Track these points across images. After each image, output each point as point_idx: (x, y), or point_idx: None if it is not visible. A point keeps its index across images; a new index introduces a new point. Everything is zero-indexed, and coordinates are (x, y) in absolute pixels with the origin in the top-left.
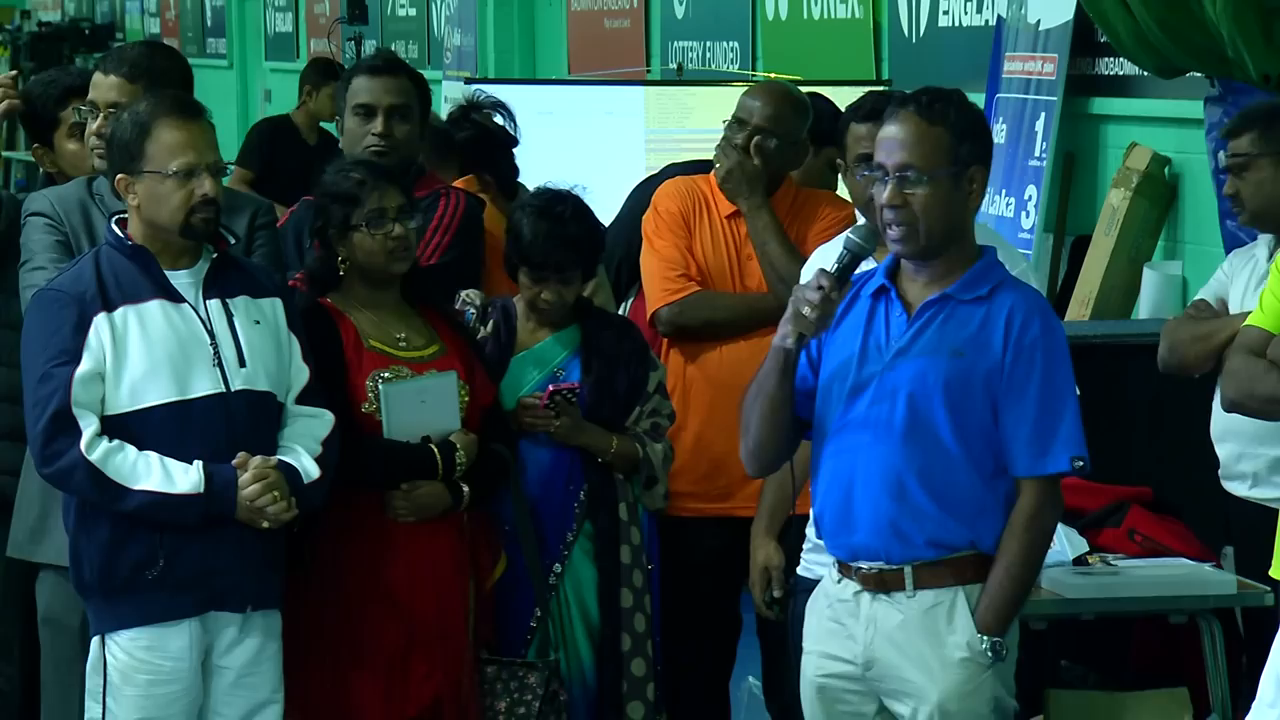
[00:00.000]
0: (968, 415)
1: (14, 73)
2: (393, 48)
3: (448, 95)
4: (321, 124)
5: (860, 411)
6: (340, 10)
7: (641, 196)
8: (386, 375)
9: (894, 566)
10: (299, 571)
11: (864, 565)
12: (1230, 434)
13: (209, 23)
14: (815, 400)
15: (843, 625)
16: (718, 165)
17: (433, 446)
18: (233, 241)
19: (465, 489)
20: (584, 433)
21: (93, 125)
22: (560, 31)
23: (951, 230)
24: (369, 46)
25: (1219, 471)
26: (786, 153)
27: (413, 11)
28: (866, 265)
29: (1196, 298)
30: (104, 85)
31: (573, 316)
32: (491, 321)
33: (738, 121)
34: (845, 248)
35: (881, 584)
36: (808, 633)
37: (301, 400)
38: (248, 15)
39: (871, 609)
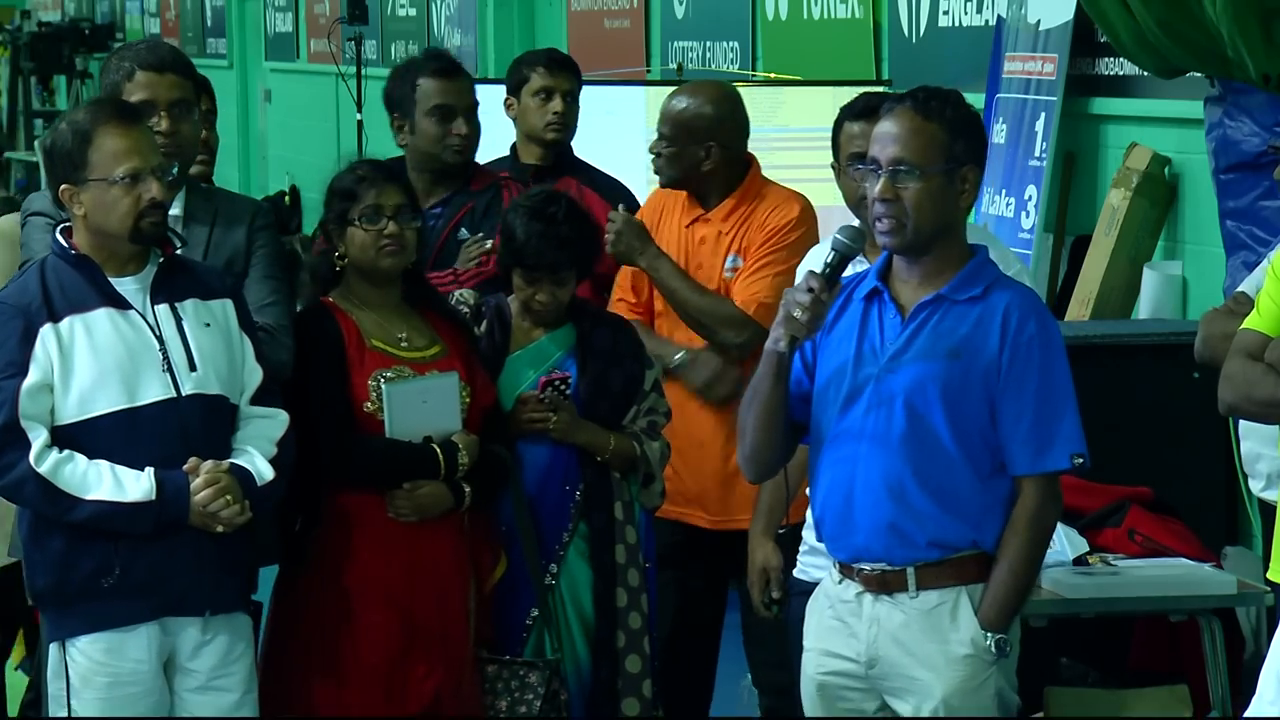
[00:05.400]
0: (965, 416)
1: None
2: (392, 48)
3: None
4: None
5: (858, 416)
6: (340, 10)
7: None
8: (389, 375)
9: (896, 568)
10: (299, 570)
11: (866, 567)
12: (1252, 433)
13: (209, 23)
14: (811, 404)
15: (845, 624)
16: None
17: (435, 446)
18: (178, 245)
19: (467, 489)
20: (582, 430)
21: (162, 125)
22: (560, 31)
23: (941, 227)
24: (369, 47)
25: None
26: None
27: (413, 11)
28: (860, 265)
29: (1239, 290)
30: (163, 84)
31: (567, 316)
32: (485, 322)
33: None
34: (833, 248)
35: (884, 585)
36: (808, 631)
37: (256, 401)
38: (248, 15)
39: (874, 609)
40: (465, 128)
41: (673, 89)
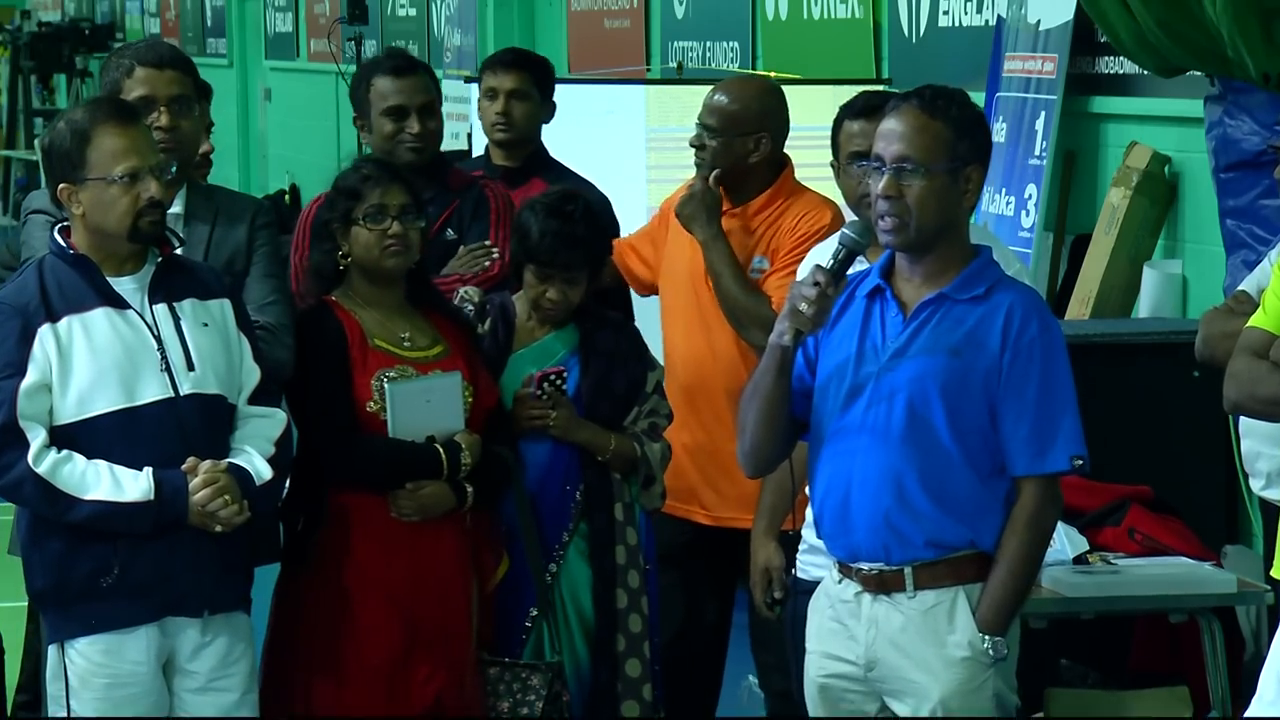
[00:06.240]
0: (965, 415)
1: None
2: (393, 47)
3: (447, 94)
4: None
5: (858, 413)
6: (340, 10)
7: None
8: (392, 374)
9: (894, 567)
10: (301, 570)
11: (864, 566)
12: (1252, 431)
13: (209, 22)
14: (812, 400)
15: (844, 626)
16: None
17: (438, 446)
18: (176, 245)
19: (469, 489)
20: (582, 428)
21: (162, 120)
22: (560, 31)
23: (944, 226)
24: (369, 46)
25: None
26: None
27: (413, 11)
28: (860, 265)
29: (1239, 289)
30: (162, 80)
31: (571, 315)
32: (489, 320)
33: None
34: (840, 243)
35: (882, 585)
36: (810, 633)
37: (254, 400)
38: (248, 15)
39: (873, 610)
40: (418, 126)
41: (711, 85)
